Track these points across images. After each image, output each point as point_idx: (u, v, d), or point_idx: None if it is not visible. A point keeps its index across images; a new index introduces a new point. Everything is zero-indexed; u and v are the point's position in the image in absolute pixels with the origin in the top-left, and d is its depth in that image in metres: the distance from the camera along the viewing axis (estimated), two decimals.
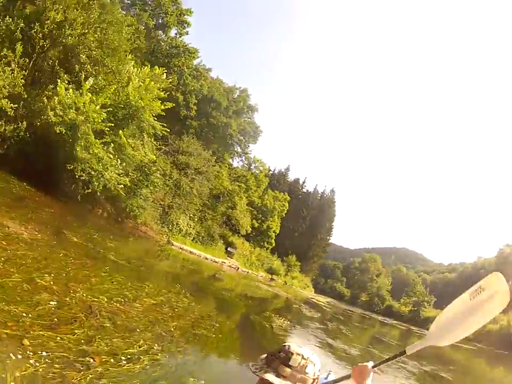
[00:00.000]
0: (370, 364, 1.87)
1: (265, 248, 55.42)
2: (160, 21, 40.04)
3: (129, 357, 5.39)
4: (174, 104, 24.00)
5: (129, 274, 10.55)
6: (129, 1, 38.16)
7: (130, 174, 20.77)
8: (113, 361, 5.03)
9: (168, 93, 23.22)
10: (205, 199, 35.01)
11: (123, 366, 5.06)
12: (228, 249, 43.85)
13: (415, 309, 69.06)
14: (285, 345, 1.63)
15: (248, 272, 44.99)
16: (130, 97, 20.23)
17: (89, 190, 18.65)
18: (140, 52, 32.71)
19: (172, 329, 7.63)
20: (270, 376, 1.51)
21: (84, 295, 6.92)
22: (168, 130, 23.64)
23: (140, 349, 5.85)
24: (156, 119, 22.26)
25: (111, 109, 19.14)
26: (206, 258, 33.98)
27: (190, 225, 34.01)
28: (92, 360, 4.77)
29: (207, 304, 12.71)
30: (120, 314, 6.92)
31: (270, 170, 75.22)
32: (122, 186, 19.61)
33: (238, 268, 41.98)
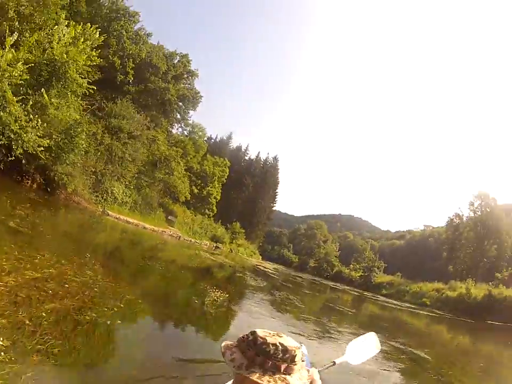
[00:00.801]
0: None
1: (207, 216, 55.08)
2: None
3: None
4: (101, 61, 22.49)
5: (25, 243, 8.62)
6: None
7: (54, 136, 19.50)
8: None
9: (104, 57, 21.83)
10: (140, 166, 33.93)
11: None
12: (169, 217, 43.21)
13: (366, 274, 69.22)
14: (258, 337, 1.44)
15: (191, 241, 44.50)
16: (55, 52, 18.90)
17: (12, 158, 17.36)
18: (80, 17, 30.80)
19: (44, 314, 5.17)
20: (255, 376, 1.34)
21: None
22: (94, 87, 22.26)
23: None
24: (90, 81, 21.27)
25: (33, 65, 17.77)
26: (145, 228, 33.23)
27: (126, 193, 32.99)
28: None
29: (125, 279, 10.14)
30: None
31: (211, 138, 75.09)
32: (42, 149, 18.26)
33: (180, 237, 41.45)
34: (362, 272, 71.01)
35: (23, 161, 18.86)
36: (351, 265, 77.25)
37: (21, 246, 8.07)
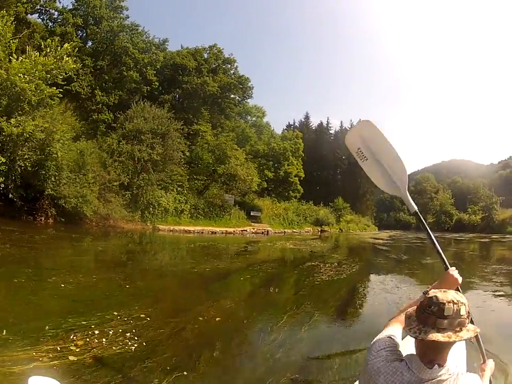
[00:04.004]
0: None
1: (293, 198, 49.09)
2: (92, 19, 36.37)
3: None
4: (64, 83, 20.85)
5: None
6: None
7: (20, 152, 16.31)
8: None
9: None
10: (184, 166, 29.74)
11: None
12: (251, 213, 38.42)
13: (486, 214, 66.16)
14: (431, 298, 1.59)
15: (284, 232, 39.37)
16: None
17: None
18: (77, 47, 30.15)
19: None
20: (434, 336, 1.52)
21: None
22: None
23: None
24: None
25: None
26: (213, 233, 28.79)
27: (180, 200, 28.98)
28: None
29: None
30: None
31: (290, 124, 70.20)
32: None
33: (268, 232, 36.41)
34: (482, 213, 68.51)
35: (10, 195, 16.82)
36: (469, 209, 74.14)
37: None
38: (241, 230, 33.16)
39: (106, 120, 32.72)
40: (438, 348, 1.58)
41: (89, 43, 37.22)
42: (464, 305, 1.57)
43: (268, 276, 11.54)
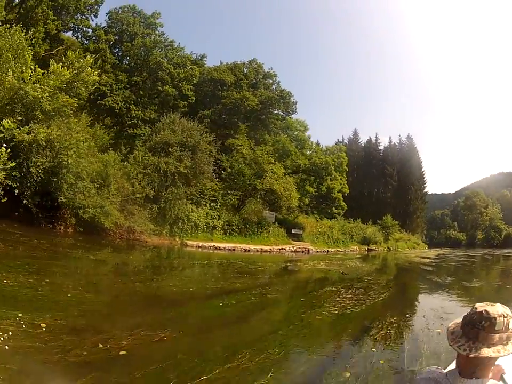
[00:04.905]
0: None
1: (337, 215, 46.43)
2: (127, 36, 36.95)
3: None
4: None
5: None
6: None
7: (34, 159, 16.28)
8: None
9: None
10: (217, 180, 28.41)
11: None
12: (292, 231, 36.32)
13: None
14: (481, 312, 1.56)
15: (327, 251, 36.99)
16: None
17: None
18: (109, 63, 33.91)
19: None
20: (486, 351, 1.49)
21: None
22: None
23: None
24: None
25: None
26: (247, 250, 27.05)
27: (212, 215, 27.57)
28: None
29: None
30: None
31: (339, 141, 68.51)
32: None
33: (308, 250, 34.22)
34: None
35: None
36: None
37: None
38: (279, 248, 31.20)
39: (142, 134, 32.33)
40: (484, 363, 1.55)
41: (126, 60, 37.76)
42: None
43: (258, 304, 9.43)
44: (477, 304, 1.60)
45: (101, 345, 5.05)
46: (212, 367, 4.76)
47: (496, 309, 1.54)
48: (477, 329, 1.52)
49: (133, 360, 4.92)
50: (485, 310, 1.53)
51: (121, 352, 4.95)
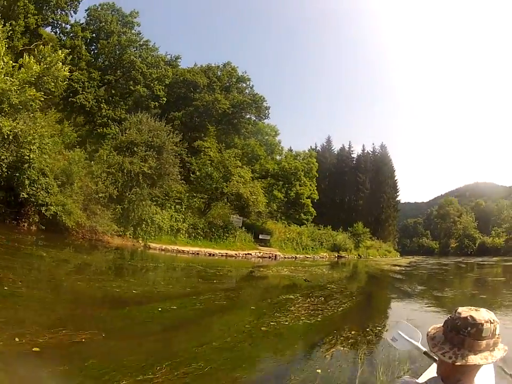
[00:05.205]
0: None
1: (305, 221, 46.63)
2: (104, 34, 36.46)
3: None
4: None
5: None
6: None
7: None
8: None
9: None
10: (183, 182, 28.10)
11: None
12: (260, 236, 36.17)
13: (511, 236, 64.65)
14: (466, 318, 1.50)
15: (295, 257, 37.00)
16: None
17: None
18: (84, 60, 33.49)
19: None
20: (474, 359, 1.45)
21: None
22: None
23: None
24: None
25: None
26: (211, 255, 26.75)
27: (177, 218, 27.28)
28: None
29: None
30: None
31: (312, 148, 68.73)
32: None
33: (275, 256, 34.06)
34: (506, 235, 67.06)
35: None
36: (492, 232, 73.05)
37: None
38: (245, 254, 30.97)
39: (112, 134, 31.92)
40: (470, 370, 1.52)
41: (101, 58, 37.19)
42: (498, 323, 1.52)
43: (201, 311, 9.04)
44: (460, 309, 1.56)
45: (17, 339, 4.97)
46: (120, 377, 4.50)
47: (482, 315, 1.50)
48: (462, 336, 1.48)
49: (42, 358, 4.76)
50: (470, 316, 1.50)
51: (34, 349, 4.83)
